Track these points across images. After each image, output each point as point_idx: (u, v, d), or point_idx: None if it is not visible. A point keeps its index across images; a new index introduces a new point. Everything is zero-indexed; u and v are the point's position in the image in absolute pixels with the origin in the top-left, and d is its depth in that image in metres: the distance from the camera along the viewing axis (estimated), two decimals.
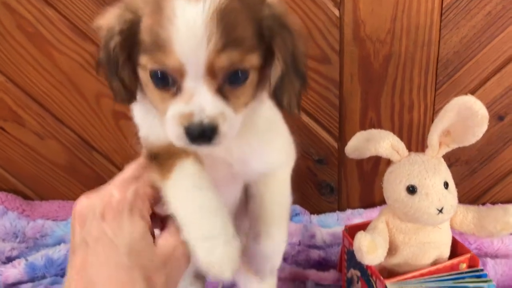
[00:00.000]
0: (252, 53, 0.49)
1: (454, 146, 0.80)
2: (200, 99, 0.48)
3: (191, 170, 0.54)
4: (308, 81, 0.98)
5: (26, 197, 1.35)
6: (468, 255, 0.84)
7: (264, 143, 0.61)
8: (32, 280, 1.07)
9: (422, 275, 0.80)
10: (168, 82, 0.49)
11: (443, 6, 1.08)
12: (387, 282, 0.78)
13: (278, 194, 0.71)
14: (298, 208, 1.26)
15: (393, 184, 0.81)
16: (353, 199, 1.29)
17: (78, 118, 1.26)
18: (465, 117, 0.75)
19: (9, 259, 1.14)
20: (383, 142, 0.80)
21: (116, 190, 0.52)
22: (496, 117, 1.16)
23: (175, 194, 0.53)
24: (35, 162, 1.31)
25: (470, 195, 1.24)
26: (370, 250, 0.76)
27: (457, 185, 0.83)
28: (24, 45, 1.18)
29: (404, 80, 1.15)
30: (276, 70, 0.53)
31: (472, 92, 1.14)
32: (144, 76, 0.51)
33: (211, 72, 0.47)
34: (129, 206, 0.50)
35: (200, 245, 0.50)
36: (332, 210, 1.28)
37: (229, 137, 0.50)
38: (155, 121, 0.55)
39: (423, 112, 1.16)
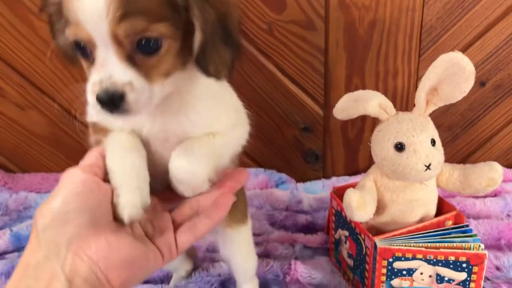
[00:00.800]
0: (161, 21, 0.51)
1: (441, 104, 0.81)
2: (109, 68, 0.50)
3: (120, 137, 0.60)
4: (294, 48, 0.99)
5: (7, 170, 1.33)
6: (453, 213, 0.86)
7: (204, 114, 0.62)
8: (17, 249, 1.06)
9: (409, 231, 0.82)
10: (87, 52, 0.52)
11: None
12: (376, 239, 0.79)
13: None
14: (284, 176, 1.27)
15: (381, 142, 0.81)
16: (338, 167, 1.30)
17: (60, 88, 1.23)
18: (452, 73, 0.76)
19: None
20: (371, 101, 0.81)
21: None
22: (478, 83, 1.18)
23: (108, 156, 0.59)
24: (17, 134, 1.29)
25: (453, 160, 1.26)
26: (360, 206, 0.77)
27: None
28: (2, 13, 1.15)
29: (389, 47, 1.15)
30: (196, 41, 0.54)
31: None
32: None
33: (117, 41, 0.49)
34: None
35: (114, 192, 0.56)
36: (318, 178, 1.30)
37: (142, 106, 0.52)
38: None
39: (407, 78, 1.18)
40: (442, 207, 0.89)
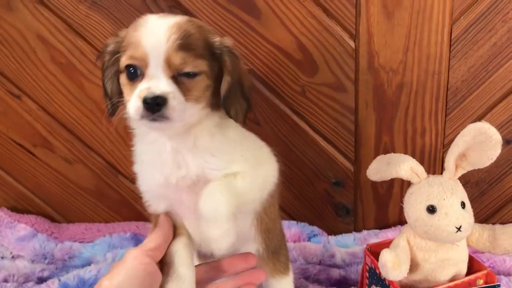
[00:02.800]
0: (201, 59, 0.65)
1: (469, 168, 0.86)
2: (157, 80, 0.63)
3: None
4: (325, 107, 1.06)
5: (53, 220, 1.41)
6: (485, 271, 0.90)
7: (218, 156, 0.72)
8: None
9: None
10: (137, 74, 0.64)
11: (452, 38, 1.16)
12: None
13: None
14: (316, 229, 1.32)
15: (413, 205, 0.87)
16: (368, 220, 1.35)
17: (105, 144, 1.32)
18: (479, 142, 0.82)
19: (41, 280, 1.19)
20: (403, 165, 0.87)
21: None
22: (504, 141, 1.22)
23: None
24: (63, 186, 1.37)
25: (481, 215, 1.30)
26: (395, 266, 0.81)
27: None
28: (56, 75, 1.26)
29: (416, 107, 1.22)
30: (225, 83, 0.68)
31: (480, 117, 1.21)
32: (122, 77, 0.67)
33: (167, 63, 0.63)
34: None
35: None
36: (348, 231, 1.34)
37: (178, 115, 0.63)
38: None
39: (435, 137, 1.23)
40: (473, 265, 0.92)
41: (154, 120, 0.63)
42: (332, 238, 1.29)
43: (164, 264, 0.69)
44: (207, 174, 0.70)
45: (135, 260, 0.62)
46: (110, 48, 0.70)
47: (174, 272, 0.66)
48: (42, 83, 1.27)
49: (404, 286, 0.91)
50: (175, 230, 0.73)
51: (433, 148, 1.24)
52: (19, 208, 1.40)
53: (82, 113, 1.29)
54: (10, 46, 1.24)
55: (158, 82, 0.63)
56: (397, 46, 1.17)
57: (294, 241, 1.27)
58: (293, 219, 1.35)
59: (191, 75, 0.65)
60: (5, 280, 1.18)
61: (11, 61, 1.26)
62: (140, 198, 0.82)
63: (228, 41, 0.70)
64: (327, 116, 1.25)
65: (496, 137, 0.81)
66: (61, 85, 1.27)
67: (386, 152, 1.07)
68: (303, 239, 1.28)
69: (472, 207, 0.88)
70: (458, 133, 0.85)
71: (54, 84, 1.27)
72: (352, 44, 1.17)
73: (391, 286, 0.89)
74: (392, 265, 0.81)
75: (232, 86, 0.68)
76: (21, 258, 1.28)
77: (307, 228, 1.31)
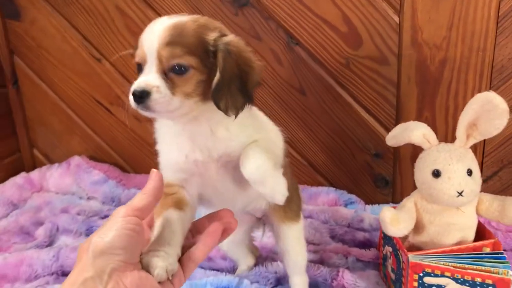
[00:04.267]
0: (192, 55, 0.70)
1: (480, 138, 0.89)
2: (148, 75, 0.69)
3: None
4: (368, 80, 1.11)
5: (123, 169, 1.61)
6: (492, 240, 0.92)
7: (235, 133, 0.78)
8: None
9: (443, 252, 0.90)
10: (142, 70, 0.71)
11: (499, 14, 1.15)
12: (410, 254, 0.88)
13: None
14: (354, 197, 1.38)
15: (421, 169, 0.91)
16: (406, 192, 1.35)
17: None
18: (487, 110, 0.84)
19: (106, 217, 1.39)
20: (416, 131, 0.91)
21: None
22: None
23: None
24: (133, 141, 1.56)
25: (496, 190, 1.29)
26: (393, 222, 0.87)
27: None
28: (130, 42, 1.43)
29: (459, 84, 1.23)
30: (215, 79, 0.72)
31: None
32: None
33: (159, 59, 0.69)
34: None
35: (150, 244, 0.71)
36: (386, 202, 1.39)
37: (160, 106, 0.68)
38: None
39: None
40: (483, 234, 0.95)
41: (142, 109, 0.69)
42: (368, 207, 1.35)
43: (154, 228, 0.73)
44: (229, 153, 0.78)
45: (123, 220, 0.65)
46: None
47: (162, 246, 0.69)
48: (119, 48, 1.45)
49: (411, 246, 0.96)
50: (179, 203, 0.77)
51: None
52: (96, 157, 1.61)
53: None
54: (94, 15, 1.44)
55: (147, 77, 0.69)
56: (441, 21, 1.18)
57: (330, 206, 1.34)
58: (333, 186, 1.42)
59: (180, 71, 0.69)
60: (78, 214, 1.39)
61: (95, 29, 1.46)
62: None
63: (226, 39, 0.73)
64: (370, 88, 1.30)
65: (502, 106, 0.83)
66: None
67: None
68: (340, 205, 1.35)
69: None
70: None
71: (128, 49, 1.44)
72: (396, 18, 1.21)
73: (397, 245, 0.95)
74: (390, 221, 0.87)
75: (222, 82, 0.71)
76: (94, 199, 1.50)
77: (345, 196, 1.38)
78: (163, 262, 0.67)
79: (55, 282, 1.09)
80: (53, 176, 1.57)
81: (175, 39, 0.69)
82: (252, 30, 1.33)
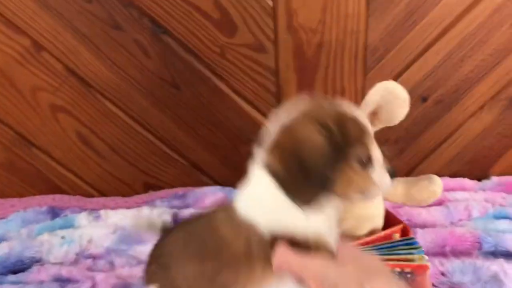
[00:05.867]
0: None
1: (381, 126, 0.87)
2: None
3: None
4: (246, 69, 1.04)
5: None
6: (400, 226, 0.92)
7: None
8: None
9: (359, 244, 0.87)
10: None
11: None
12: None
13: None
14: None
15: None
16: None
17: (14, 113, 1.23)
18: (388, 101, 0.82)
19: None
20: None
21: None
22: (420, 99, 1.25)
23: None
24: None
25: (401, 171, 1.33)
26: None
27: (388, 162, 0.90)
28: None
29: (336, 68, 1.22)
30: None
31: (398, 76, 1.22)
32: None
33: None
34: None
35: None
36: None
37: None
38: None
39: (354, 97, 1.24)
40: (389, 220, 0.94)
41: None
42: None
43: None
44: None
45: None
46: None
47: None
48: None
49: None
50: None
51: None
52: None
53: None
54: None
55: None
56: (315, 4, 1.15)
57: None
58: (219, 184, 1.33)
59: None
60: None
61: None
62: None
63: None
64: (248, 78, 1.22)
65: (403, 95, 0.81)
66: None
67: None
68: None
69: (393, 164, 0.89)
70: None
71: None
72: (270, 2, 1.14)
73: None
74: None
75: None
76: None
77: (233, 192, 1.28)
78: None
79: None
80: None
81: None
82: (110, 19, 1.15)
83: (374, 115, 0.86)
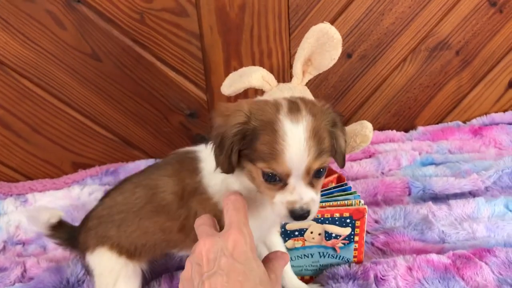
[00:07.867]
0: (329, 154, 0.69)
1: (315, 72, 0.89)
2: (300, 191, 0.66)
3: None
4: (169, 35, 1.01)
5: None
6: (335, 175, 0.94)
7: None
8: None
9: None
10: (275, 179, 0.67)
11: None
12: None
13: None
14: None
15: None
16: None
17: None
18: (322, 43, 0.84)
19: None
20: (254, 75, 0.88)
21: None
22: (345, 55, 1.27)
23: None
24: None
25: None
26: None
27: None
28: None
29: (260, 28, 1.20)
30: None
31: None
32: (254, 171, 0.68)
33: (307, 172, 0.66)
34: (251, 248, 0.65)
35: None
36: None
37: (313, 216, 0.68)
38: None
39: (281, 57, 1.24)
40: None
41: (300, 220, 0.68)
42: None
43: None
44: None
45: None
46: (235, 131, 0.67)
47: None
48: None
49: None
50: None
51: (281, 68, 1.25)
52: None
53: None
54: None
55: (301, 194, 0.66)
56: None
57: None
58: (152, 157, 1.30)
59: (320, 174, 0.68)
60: None
61: None
62: None
63: (342, 128, 0.72)
64: (172, 44, 1.19)
65: (336, 36, 0.84)
66: None
67: None
68: None
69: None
70: None
71: None
72: None
73: None
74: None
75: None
76: None
77: None
78: None
79: None
80: None
81: (320, 148, 0.66)
82: None
83: (308, 61, 0.88)
